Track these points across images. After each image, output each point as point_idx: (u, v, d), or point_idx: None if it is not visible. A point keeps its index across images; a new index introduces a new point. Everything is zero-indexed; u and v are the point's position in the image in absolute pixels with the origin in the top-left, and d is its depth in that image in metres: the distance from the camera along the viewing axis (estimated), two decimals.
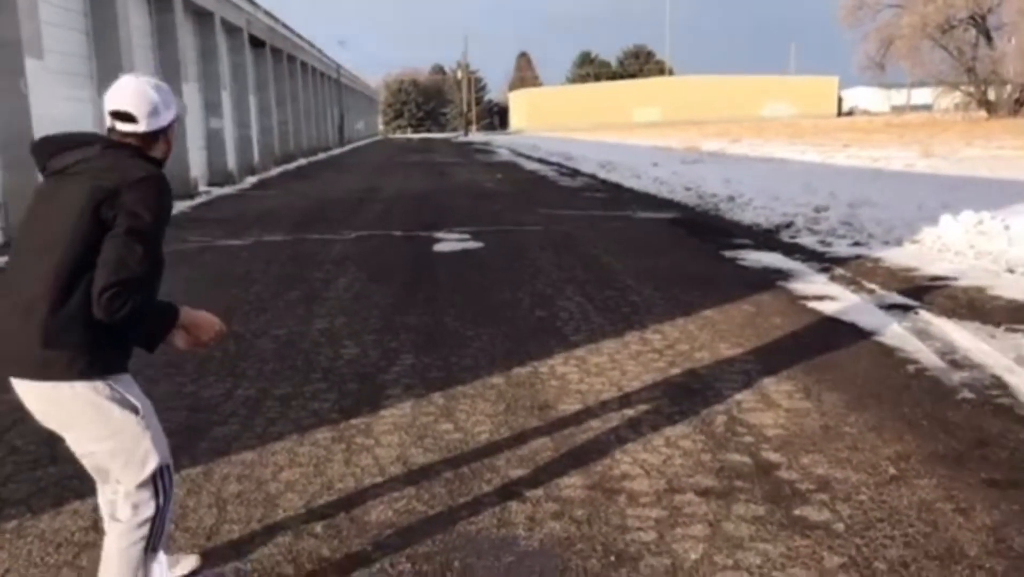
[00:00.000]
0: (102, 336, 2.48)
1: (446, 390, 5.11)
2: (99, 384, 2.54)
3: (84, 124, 14.30)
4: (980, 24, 47.29)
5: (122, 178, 2.48)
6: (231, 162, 23.37)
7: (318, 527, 3.45)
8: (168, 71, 18.66)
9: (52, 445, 4.31)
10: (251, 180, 24.17)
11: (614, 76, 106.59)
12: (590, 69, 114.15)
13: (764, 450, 4.14)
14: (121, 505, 2.66)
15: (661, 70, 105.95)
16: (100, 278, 2.40)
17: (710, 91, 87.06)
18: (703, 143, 33.48)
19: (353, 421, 4.62)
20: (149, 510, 2.64)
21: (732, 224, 12.64)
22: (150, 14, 18.43)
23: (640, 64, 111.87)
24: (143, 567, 2.67)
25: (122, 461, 2.62)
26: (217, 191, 20.43)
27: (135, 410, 2.60)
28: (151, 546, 2.67)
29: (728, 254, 9.87)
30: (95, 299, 2.40)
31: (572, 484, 3.80)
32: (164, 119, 2.68)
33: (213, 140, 22.38)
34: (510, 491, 3.74)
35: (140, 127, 2.61)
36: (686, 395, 4.95)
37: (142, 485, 2.63)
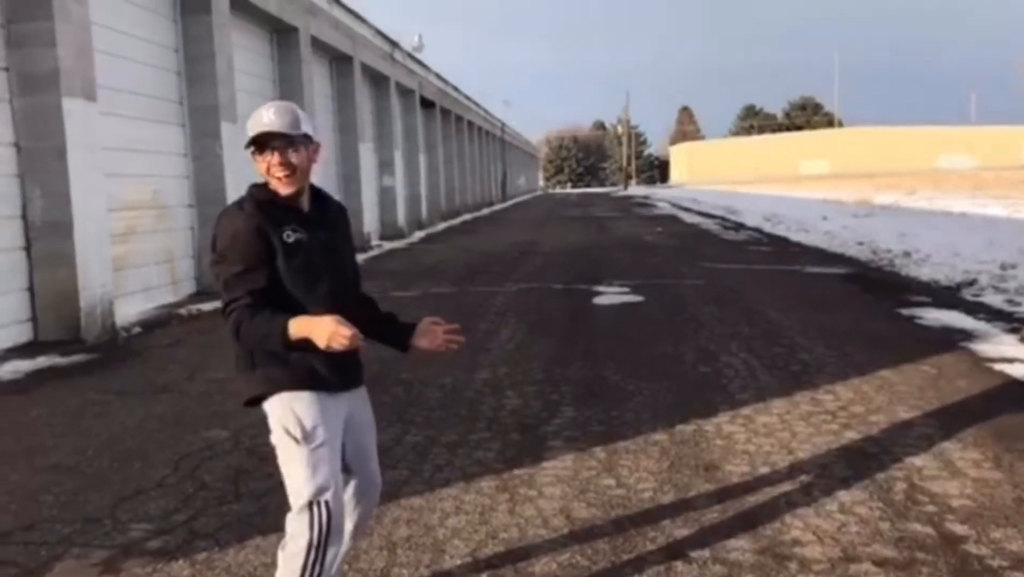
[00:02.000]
0: (259, 357, 2.74)
1: (608, 444, 5.09)
2: (275, 403, 2.75)
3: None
4: None
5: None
6: (401, 218, 24.38)
7: (484, 576, 3.50)
8: (346, 132, 19.80)
9: (237, 483, 4.61)
10: (419, 235, 25.11)
11: (779, 128, 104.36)
12: (754, 121, 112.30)
13: (949, 521, 3.88)
14: (287, 526, 2.75)
15: (830, 122, 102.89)
16: None
17: (882, 142, 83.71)
18: (875, 196, 32.11)
19: (516, 471, 4.67)
20: (301, 540, 2.66)
21: (908, 280, 12.03)
22: (332, 79, 19.65)
23: (807, 116, 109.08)
24: None
25: (286, 481, 2.77)
26: (388, 245, 21.32)
27: (296, 439, 2.69)
28: (308, 576, 2.66)
29: (905, 312, 9.38)
30: None
31: (740, 547, 3.68)
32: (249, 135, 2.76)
33: (385, 197, 23.46)
34: (675, 551, 3.66)
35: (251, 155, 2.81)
36: (862, 459, 4.72)
37: (298, 513, 2.69)
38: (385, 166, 23.63)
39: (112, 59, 10.04)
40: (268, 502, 4.33)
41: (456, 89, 36.88)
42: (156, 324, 9.95)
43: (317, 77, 17.66)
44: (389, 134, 23.96)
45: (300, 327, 2.57)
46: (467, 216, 36.13)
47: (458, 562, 3.61)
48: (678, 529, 3.88)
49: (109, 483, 4.67)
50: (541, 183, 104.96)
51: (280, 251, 2.67)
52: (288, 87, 15.72)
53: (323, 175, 17.56)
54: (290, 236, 2.68)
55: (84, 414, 6.14)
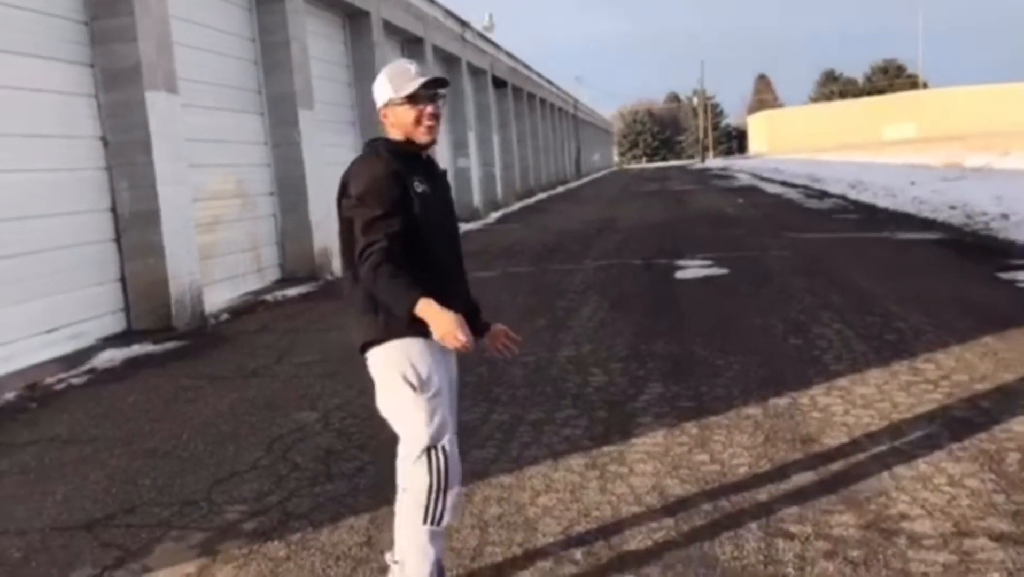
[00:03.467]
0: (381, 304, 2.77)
1: (699, 420, 4.97)
2: (390, 350, 2.80)
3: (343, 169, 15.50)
4: None
5: (346, 173, 2.87)
6: (476, 199, 24.39)
7: (577, 554, 3.44)
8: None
9: (328, 463, 4.65)
10: (495, 215, 25.10)
11: (861, 94, 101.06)
12: (834, 87, 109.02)
13: None
14: (402, 476, 2.90)
15: (914, 84, 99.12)
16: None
17: (970, 103, 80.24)
18: (966, 158, 30.79)
19: (605, 448, 4.59)
20: (422, 484, 2.80)
21: (1008, 244, 11.49)
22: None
23: (890, 79, 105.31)
24: (427, 538, 2.85)
25: (400, 429, 2.88)
26: (464, 227, 21.38)
27: (413, 386, 2.78)
28: (429, 519, 2.81)
29: (1006, 276, 8.96)
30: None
31: (844, 522, 3.54)
32: (377, 103, 2.90)
33: (460, 178, 23.48)
34: (775, 527, 3.54)
35: (384, 101, 2.90)
36: (968, 430, 4.50)
37: (417, 460, 2.81)
38: (459, 147, 23.65)
39: (191, 51, 10.22)
40: (359, 482, 4.35)
41: (527, 67, 36.67)
42: (243, 311, 10.15)
43: (391, 59, 17.74)
44: (462, 115, 23.96)
45: (426, 310, 2.64)
46: (542, 195, 35.99)
47: (551, 540, 3.56)
48: (777, 505, 3.75)
49: (204, 466, 4.76)
50: (616, 159, 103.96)
51: (415, 199, 2.77)
52: (361, 72, 15.81)
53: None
54: (419, 186, 2.80)
55: (178, 399, 6.29)
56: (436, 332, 2.65)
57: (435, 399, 2.82)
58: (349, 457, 4.73)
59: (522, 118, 34.94)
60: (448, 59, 23.43)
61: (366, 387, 5.94)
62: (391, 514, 3.86)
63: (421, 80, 2.81)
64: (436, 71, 21.43)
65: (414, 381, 2.79)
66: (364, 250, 2.70)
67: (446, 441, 2.83)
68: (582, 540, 3.54)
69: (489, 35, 28.19)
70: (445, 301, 2.68)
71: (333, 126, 14.85)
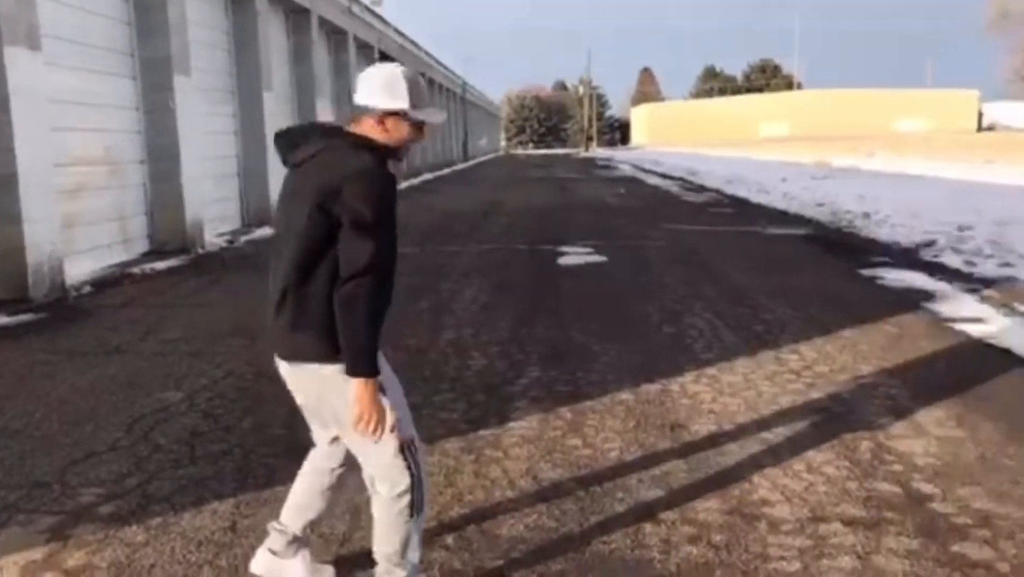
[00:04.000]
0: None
1: (574, 405, 5.03)
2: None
3: (225, 138, 14.97)
4: None
5: (341, 174, 2.58)
6: None
7: (449, 539, 3.42)
8: (304, 87, 19.34)
9: (192, 445, 4.48)
10: None
11: (739, 91, 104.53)
12: (714, 84, 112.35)
13: (915, 480, 3.88)
14: (379, 481, 2.79)
15: (789, 84, 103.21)
16: (341, 275, 2.55)
17: (840, 105, 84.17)
18: (834, 158, 32.31)
19: (482, 432, 4.59)
20: (405, 481, 2.76)
21: (868, 242, 12.11)
22: (288, 33, 19.13)
23: (767, 78, 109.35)
24: (411, 532, 2.83)
25: (368, 441, 2.73)
26: None
27: (383, 389, 2.69)
28: (416, 510, 2.80)
29: (866, 273, 9.44)
30: (336, 295, 2.55)
31: (708, 507, 3.65)
32: (381, 102, 2.70)
33: None
34: (643, 512, 3.62)
35: (357, 99, 2.75)
36: (827, 419, 4.71)
37: (393, 460, 2.75)
38: (343, 123, 23.17)
39: (56, 6, 9.63)
40: (225, 465, 4.21)
41: (416, 45, 36.27)
42: (108, 284, 9.67)
43: (273, 30, 17.18)
44: (348, 90, 23.49)
45: (371, 390, 2.61)
46: (428, 176, 35.72)
47: (422, 525, 3.52)
48: (646, 489, 3.84)
49: (59, 446, 4.50)
50: (503, 143, 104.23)
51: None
52: (243, 39, 15.27)
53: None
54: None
55: (33, 375, 5.93)
56: (364, 412, 2.61)
57: (396, 395, 2.81)
58: (215, 439, 4.57)
59: None
60: (335, 32, 22.91)
61: (235, 367, 5.81)
62: (257, 499, 3.78)
63: (443, 117, 2.88)
64: (321, 44, 20.81)
65: (380, 383, 2.69)
66: (366, 271, 2.53)
67: (415, 433, 2.84)
68: (454, 525, 3.52)
69: (377, 10, 27.70)
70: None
71: (211, 94, 14.30)
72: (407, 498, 2.78)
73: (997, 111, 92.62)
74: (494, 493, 3.82)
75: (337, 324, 2.56)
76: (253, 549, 3.33)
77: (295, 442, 4.45)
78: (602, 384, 5.43)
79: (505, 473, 4.04)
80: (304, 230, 2.59)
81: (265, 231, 14.72)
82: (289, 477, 3.98)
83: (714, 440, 4.44)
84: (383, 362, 2.74)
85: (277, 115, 16.53)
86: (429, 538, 3.41)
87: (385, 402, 2.66)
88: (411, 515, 2.80)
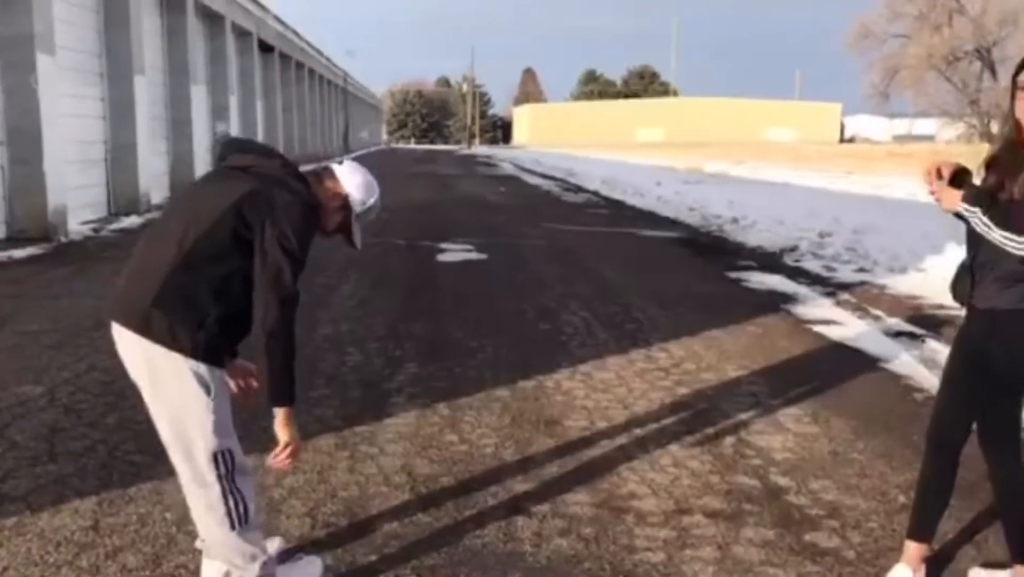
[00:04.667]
0: (208, 328, 2.60)
1: (450, 400, 5.07)
2: (183, 360, 2.61)
3: (92, 122, 14.30)
4: (985, 57, 47.46)
5: (280, 193, 2.66)
6: None
7: (322, 535, 3.40)
8: (177, 72, 18.66)
9: (52, 441, 4.29)
10: None
11: (618, 95, 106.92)
12: (594, 87, 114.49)
13: (773, 474, 4.10)
14: (195, 489, 2.75)
15: (665, 91, 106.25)
16: (261, 291, 2.61)
17: (714, 113, 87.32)
18: (706, 164, 33.50)
19: (357, 429, 4.57)
20: (212, 494, 2.71)
21: (736, 245, 12.62)
22: (161, 15, 18.43)
23: (645, 84, 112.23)
24: (242, 541, 2.77)
25: (179, 431, 2.70)
26: None
27: (207, 389, 2.65)
28: (237, 522, 2.74)
29: (733, 275, 9.84)
30: (263, 326, 2.60)
31: (579, 501, 3.75)
32: (349, 185, 2.91)
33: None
34: (516, 506, 3.69)
35: (339, 169, 2.93)
36: (693, 415, 4.91)
37: (203, 466, 2.70)
38: (219, 112, 22.48)
39: None
40: (88, 462, 4.05)
41: (297, 35, 35.49)
42: None
43: (145, 11, 16.51)
44: (224, 77, 22.79)
45: (289, 421, 2.70)
46: (308, 167, 35.02)
47: (295, 522, 3.49)
48: (519, 484, 3.91)
49: None
50: (384, 137, 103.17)
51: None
52: (113, 19, 14.61)
53: (152, 117, 16.52)
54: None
55: None
56: (284, 441, 2.69)
57: (222, 403, 2.71)
58: (77, 435, 4.39)
59: (289, 87, 33.83)
60: (211, 16, 22.18)
61: (98, 361, 5.58)
62: (122, 496, 3.66)
63: (359, 244, 2.97)
64: (196, 28, 20.06)
65: (209, 382, 2.64)
66: (288, 299, 2.63)
67: (230, 443, 2.74)
68: (327, 522, 3.51)
69: None
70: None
71: (78, 76, 13.64)
72: (222, 509, 2.72)
73: (858, 124, 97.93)
74: (368, 489, 3.82)
75: (263, 353, 2.61)
76: (117, 549, 3.24)
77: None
78: (479, 380, 5.49)
79: (380, 469, 4.05)
80: (211, 222, 2.60)
81: (134, 220, 14.16)
82: (156, 474, 3.89)
83: (586, 435, 4.56)
84: (220, 372, 2.73)
85: (149, 100, 15.91)
86: (301, 535, 3.39)
87: (296, 439, 2.72)
88: (231, 527, 2.73)
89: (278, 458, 2.71)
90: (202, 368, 2.63)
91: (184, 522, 3.44)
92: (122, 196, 15.03)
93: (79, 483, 3.82)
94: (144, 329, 2.60)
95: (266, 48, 29.17)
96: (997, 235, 2.72)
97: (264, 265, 2.59)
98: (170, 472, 3.86)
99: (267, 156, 2.85)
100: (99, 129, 14.66)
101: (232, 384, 2.90)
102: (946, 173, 2.86)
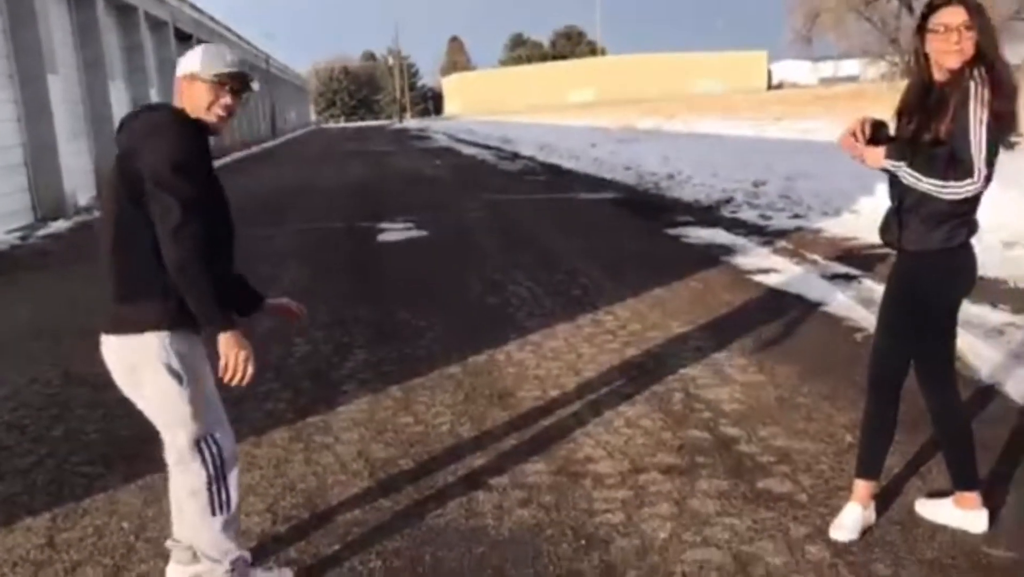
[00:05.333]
0: (170, 291, 2.58)
1: (403, 382, 5.07)
2: (164, 338, 2.62)
3: (6, 125, 13.83)
4: None
5: (139, 135, 2.61)
6: None
7: (282, 529, 3.40)
8: (93, 69, 18.11)
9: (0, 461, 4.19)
10: None
11: (547, 58, 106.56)
12: (523, 51, 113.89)
13: (723, 425, 4.19)
14: (178, 472, 2.79)
15: (593, 51, 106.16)
16: (159, 238, 2.54)
17: (642, 70, 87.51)
18: (638, 122, 33.67)
19: (310, 419, 4.56)
20: (200, 481, 2.74)
21: (673, 202, 12.76)
22: (70, 11, 17.82)
23: (572, 45, 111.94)
24: (220, 529, 2.79)
25: (163, 423, 2.76)
26: None
27: (180, 378, 2.66)
28: (218, 510, 2.77)
29: (672, 232, 9.96)
30: (163, 250, 2.53)
31: (537, 470, 3.80)
32: (178, 71, 2.72)
33: None
34: (476, 481, 3.72)
35: (185, 73, 2.71)
36: (642, 375, 4.99)
37: (189, 455, 2.74)
38: (141, 104, 21.91)
39: None
40: (36, 478, 3.98)
41: (214, 20, 34.67)
42: None
43: (52, 8, 15.95)
44: (142, 70, 22.19)
45: (231, 339, 2.62)
46: (236, 155, 34.42)
47: (255, 519, 3.48)
48: (477, 459, 3.94)
49: None
50: (313, 117, 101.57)
51: (213, 179, 2.70)
52: (18, 18, 14.08)
53: (70, 116, 16.03)
54: (211, 165, 2.72)
55: None
56: (229, 361, 2.61)
57: (202, 389, 2.74)
58: (23, 452, 4.30)
59: None
60: (122, 9, 21.53)
61: (40, 373, 5.46)
62: (76, 510, 3.61)
63: (229, 70, 2.70)
64: (108, 23, 19.42)
65: (180, 372, 2.66)
66: (180, 230, 2.50)
67: (215, 430, 2.77)
68: (288, 516, 3.50)
69: None
70: (221, 273, 2.72)
71: None
72: (204, 495, 2.75)
73: (784, 70, 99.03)
74: (327, 479, 3.82)
75: (181, 290, 2.56)
76: (76, 563, 3.20)
77: (113, 446, 4.28)
78: (429, 359, 5.49)
79: (337, 458, 4.05)
80: (115, 200, 2.61)
81: (63, 225, 13.79)
82: (109, 484, 3.84)
83: (540, 405, 4.61)
84: (199, 351, 2.74)
85: (66, 99, 15.43)
86: (262, 531, 3.39)
87: (242, 355, 2.62)
88: (213, 513, 2.76)
89: (226, 377, 2.64)
90: (173, 358, 2.64)
91: (142, 531, 3.43)
92: (47, 200, 14.58)
93: (29, 500, 3.75)
94: (117, 327, 2.65)
95: (183, 37, 28.43)
96: (926, 184, 2.81)
97: (153, 210, 2.53)
98: (123, 481, 3.85)
99: (135, 115, 2.76)
100: (15, 132, 14.19)
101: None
102: (867, 131, 2.94)
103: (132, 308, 2.63)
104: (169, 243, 2.51)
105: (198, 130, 2.66)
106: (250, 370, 2.65)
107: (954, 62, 2.85)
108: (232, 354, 2.61)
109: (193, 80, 2.68)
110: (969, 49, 2.82)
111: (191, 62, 2.70)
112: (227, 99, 2.71)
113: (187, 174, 2.54)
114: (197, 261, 2.53)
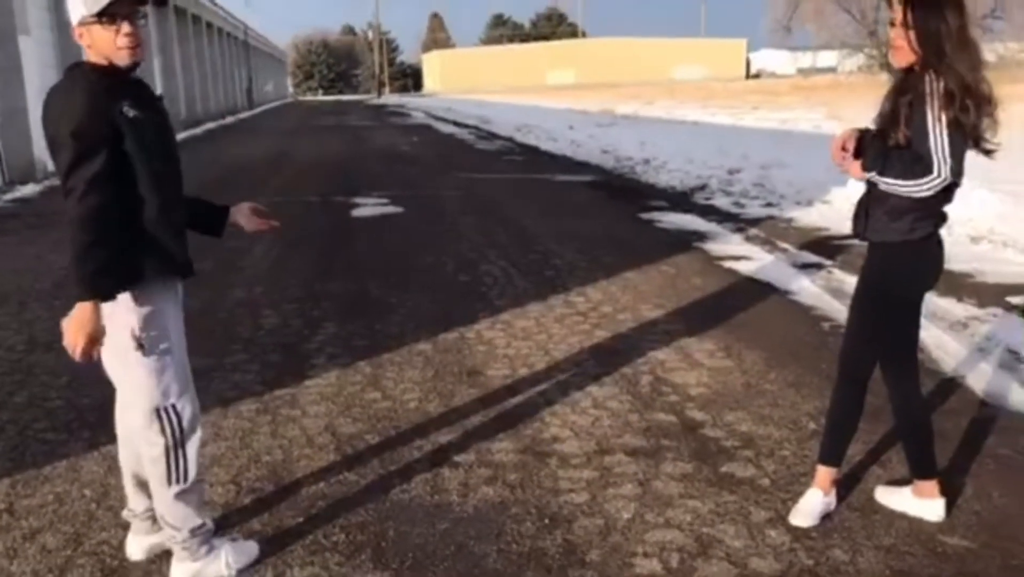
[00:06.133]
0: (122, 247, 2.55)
1: (372, 358, 5.06)
2: (118, 304, 2.58)
3: None
4: None
5: (47, 103, 2.59)
6: None
7: (247, 500, 3.39)
8: (67, 32, 17.75)
9: None
10: None
11: (528, 39, 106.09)
12: (503, 31, 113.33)
13: (689, 409, 4.22)
14: (139, 437, 2.77)
15: (574, 33, 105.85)
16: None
17: (623, 54, 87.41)
18: (617, 106, 33.65)
19: (278, 392, 4.54)
20: (157, 448, 2.73)
21: (648, 186, 12.78)
22: None
23: (553, 26, 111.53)
24: (174, 497, 2.77)
25: (124, 388, 2.77)
26: None
27: (140, 345, 2.64)
28: (174, 479, 2.75)
29: (646, 216, 9.99)
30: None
31: (503, 449, 3.81)
32: (71, 16, 2.59)
33: None
34: (442, 458, 3.73)
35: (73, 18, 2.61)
36: (611, 357, 5.01)
37: (147, 423, 2.72)
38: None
39: None
40: None
41: None
42: None
43: None
44: None
45: (83, 312, 2.49)
46: (211, 125, 34.01)
47: (219, 490, 3.47)
48: (444, 436, 3.95)
49: None
50: (291, 90, 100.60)
51: (128, 127, 2.54)
52: None
53: (43, 79, 15.74)
54: (129, 111, 2.56)
55: None
56: (68, 334, 2.50)
57: (164, 357, 2.69)
58: None
59: (187, 42, 32.61)
60: None
61: (3, 338, 5.39)
62: (37, 477, 3.57)
63: None
64: None
65: (141, 338, 2.64)
66: (67, 196, 2.48)
67: (175, 399, 2.73)
68: (252, 488, 3.49)
69: None
70: (172, 227, 2.69)
71: None
72: (161, 463, 2.74)
73: (763, 59, 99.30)
74: (292, 452, 3.81)
75: None
76: (35, 530, 3.18)
77: (76, 414, 4.24)
78: (400, 336, 5.48)
79: (303, 431, 4.04)
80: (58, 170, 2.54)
81: (32, 188, 13.59)
82: (71, 451, 3.81)
83: (508, 384, 4.62)
84: (168, 318, 2.71)
85: (38, 62, 15.15)
86: (226, 502, 3.37)
87: (83, 334, 2.49)
88: (169, 482, 2.75)
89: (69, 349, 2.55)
90: (136, 324, 2.62)
91: (104, 498, 3.41)
92: (15, 165, 14.36)
93: None
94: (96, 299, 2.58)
95: (160, 2, 27.98)
96: (898, 187, 2.83)
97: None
98: (86, 448, 3.82)
99: (54, 90, 2.65)
100: None
101: (251, 224, 3.12)
102: (851, 146, 2.97)
103: (104, 278, 2.55)
104: (67, 203, 2.48)
105: (94, 85, 2.54)
106: (84, 352, 2.51)
107: (899, 60, 2.86)
108: (74, 329, 2.49)
109: (86, 26, 2.56)
110: (908, 48, 2.81)
111: (75, 6, 2.56)
112: (126, 27, 2.56)
113: (72, 140, 2.46)
114: (84, 224, 2.46)
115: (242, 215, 3.12)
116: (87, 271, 2.48)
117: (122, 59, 2.59)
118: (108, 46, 2.56)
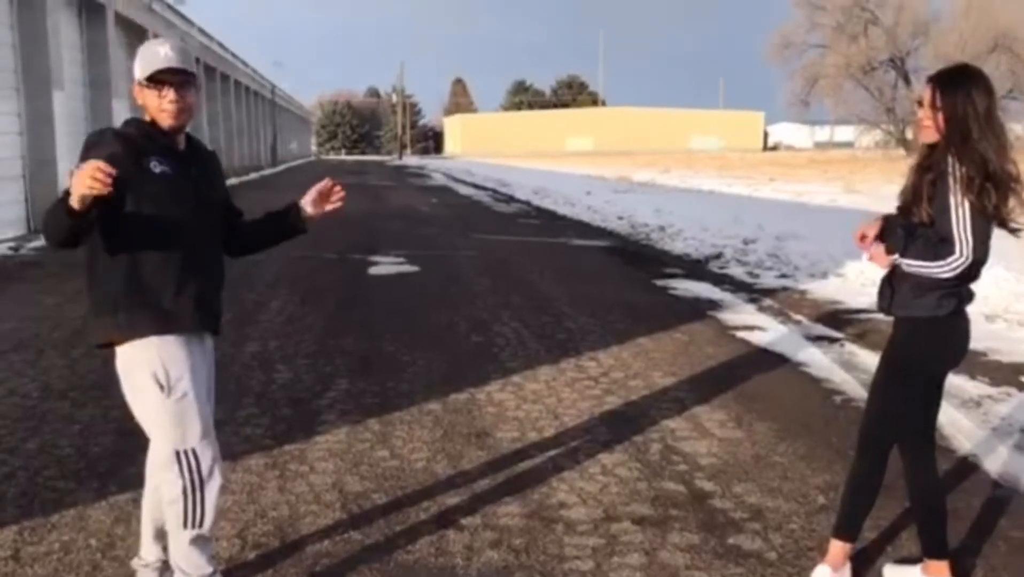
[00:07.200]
0: (122, 299, 2.72)
1: (382, 416, 5.07)
2: (137, 349, 2.73)
3: (8, 138, 13.89)
4: (899, 67, 49.10)
5: None
6: None
7: (251, 556, 3.38)
8: (99, 87, 18.25)
9: None
10: None
11: (548, 105, 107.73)
12: (524, 97, 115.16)
13: (698, 479, 4.20)
14: (152, 478, 2.92)
15: (594, 101, 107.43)
16: None
17: (641, 123, 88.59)
18: (634, 173, 34.00)
19: (287, 447, 4.55)
20: (174, 489, 2.77)
21: (663, 253, 12.85)
22: (81, 29, 18.01)
23: (573, 94, 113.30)
24: (189, 542, 2.82)
25: (149, 432, 2.84)
26: None
27: (161, 387, 2.73)
28: (190, 523, 2.80)
29: (660, 283, 10.03)
30: None
31: (510, 512, 3.79)
32: (138, 70, 2.80)
33: None
34: (448, 519, 3.72)
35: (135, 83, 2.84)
36: (621, 423, 5.00)
37: (167, 465, 2.78)
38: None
39: None
40: (7, 490, 3.96)
41: (222, 46, 35.01)
42: None
43: (65, 26, 16.10)
44: None
45: (72, 188, 2.51)
46: (234, 180, 34.51)
47: (224, 544, 3.46)
48: (450, 498, 3.94)
49: None
50: (314, 148, 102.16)
51: (140, 179, 2.69)
52: (30, 35, 14.24)
53: (72, 134, 16.11)
54: (156, 167, 2.76)
55: None
56: (76, 190, 2.48)
57: (183, 401, 2.77)
58: None
59: (214, 99, 33.29)
60: (133, 29, 21.75)
61: (19, 385, 5.45)
62: (44, 524, 3.58)
63: (159, 67, 2.75)
64: (117, 42, 19.60)
65: (162, 382, 2.74)
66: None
67: (196, 444, 2.78)
68: (257, 543, 3.48)
69: (181, 9, 26.56)
70: (192, 276, 2.82)
71: None
72: (178, 506, 2.78)
73: (780, 132, 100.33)
74: (299, 508, 3.81)
75: None
76: None
77: (86, 462, 4.26)
78: (411, 394, 5.50)
79: (311, 487, 4.03)
80: None
81: None
82: (79, 500, 3.82)
83: (517, 447, 4.61)
84: (189, 362, 2.79)
85: (69, 115, 15.51)
86: (230, 556, 3.37)
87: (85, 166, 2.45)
88: (184, 525, 2.79)
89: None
90: (159, 367, 2.72)
91: (110, 549, 3.41)
92: (42, 213, 14.54)
93: None
94: (97, 340, 2.84)
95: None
96: (921, 269, 2.85)
97: None
98: (94, 498, 3.84)
99: None
100: (15, 145, 14.25)
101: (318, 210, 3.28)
102: (872, 233, 3.01)
103: (102, 327, 2.78)
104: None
105: (121, 138, 2.76)
106: (94, 179, 2.40)
107: (924, 137, 2.92)
108: (81, 174, 2.44)
109: (139, 87, 2.80)
110: (933, 128, 2.87)
111: (135, 70, 2.80)
112: (170, 94, 2.77)
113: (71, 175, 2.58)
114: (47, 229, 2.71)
115: (310, 206, 3.29)
116: (56, 211, 2.64)
117: (163, 120, 2.80)
118: (154, 107, 2.79)
